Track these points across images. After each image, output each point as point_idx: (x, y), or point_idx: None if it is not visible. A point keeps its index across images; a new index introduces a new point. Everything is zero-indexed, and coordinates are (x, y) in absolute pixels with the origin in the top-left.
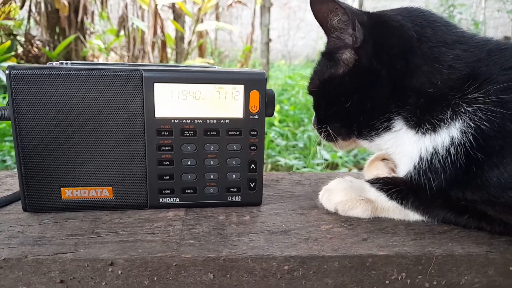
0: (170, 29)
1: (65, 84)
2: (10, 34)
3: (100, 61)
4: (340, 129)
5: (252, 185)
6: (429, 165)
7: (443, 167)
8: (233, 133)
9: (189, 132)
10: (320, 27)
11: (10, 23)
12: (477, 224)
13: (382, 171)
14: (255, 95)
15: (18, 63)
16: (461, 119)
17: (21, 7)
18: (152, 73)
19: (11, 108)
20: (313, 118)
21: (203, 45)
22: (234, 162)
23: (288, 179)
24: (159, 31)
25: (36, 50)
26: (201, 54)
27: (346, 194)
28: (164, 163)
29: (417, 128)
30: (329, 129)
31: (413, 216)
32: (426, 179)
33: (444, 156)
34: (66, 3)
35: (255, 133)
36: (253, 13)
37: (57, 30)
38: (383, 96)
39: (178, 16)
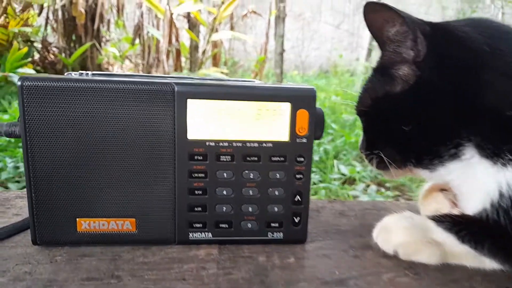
0: (185, 38)
1: (85, 99)
2: (28, 40)
3: (115, 69)
4: (395, 155)
5: (296, 220)
6: None
7: None
8: (276, 159)
9: (226, 157)
10: (375, 40)
11: (28, 29)
12: None
13: (443, 205)
14: (303, 115)
15: (34, 69)
16: None
17: (39, 14)
18: (185, 88)
19: (22, 125)
20: (360, 141)
21: (217, 54)
22: (276, 192)
23: (329, 208)
24: (174, 40)
25: (52, 56)
26: (215, 63)
27: (408, 235)
28: (196, 192)
29: (494, 158)
30: (382, 155)
31: (490, 263)
32: (508, 220)
33: None
34: (83, 11)
35: (302, 159)
36: (267, 24)
37: (74, 37)
38: (451, 118)
39: (193, 25)
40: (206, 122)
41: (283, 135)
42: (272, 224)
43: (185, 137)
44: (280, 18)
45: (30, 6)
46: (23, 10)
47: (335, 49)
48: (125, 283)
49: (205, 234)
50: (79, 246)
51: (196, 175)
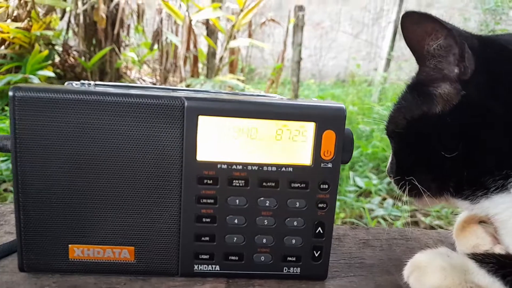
0: (203, 44)
1: (82, 113)
2: (49, 43)
3: (133, 73)
4: (430, 183)
5: (316, 255)
6: None
7: None
8: (297, 185)
9: (240, 182)
10: (413, 54)
11: (49, 33)
12: None
13: (483, 241)
14: (329, 136)
15: (54, 71)
16: None
17: (61, 18)
18: (197, 103)
19: (12, 139)
20: (388, 164)
21: (234, 61)
22: (295, 223)
23: (352, 236)
24: (192, 46)
25: (72, 60)
26: (232, 70)
27: (446, 277)
28: (204, 219)
29: None
30: (416, 182)
31: None
32: None
33: None
34: (104, 16)
35: (326, 186)
36: (285, 32)
37: (94, 41)
38: (501, 145)
39: (211, 32)
40: (218, 142)
41: (305, 159)
42: (289, 258)
43: (194, 158)
44: (299, 27)
45: (53, 10)
46: (46, 14)
47: (353, 58)
48: None
49: (212, 267)
50: (71, 274)
51: (205, 200)
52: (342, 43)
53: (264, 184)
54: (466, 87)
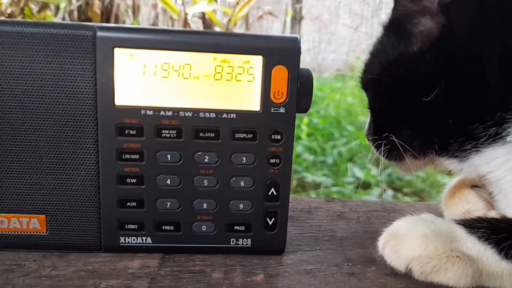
0: None
1: None
2: None
3: None
4: (412, 139)
5: (270, 222)
6: None
7: None
8: (242, 135)
9: (171, 132)
10: None
11: None
12: None
13: (476, 206)
14: (281, 74)
15: None
16: None
17: (55, 14)
18: (112, 33)
19: None
20: (367, 124)
21: None
22: (242, 183)
23: (326, 209)
24: None
25: None
26: None
27: (428, 245)
28: (129, 180)
29: None
30: (395, 139)
31: None
32: None
33: None
34: (99, 12)
35: (279, 137)
36: (283, 25)
37: None
38: (493, 83)
39: (207, 26)
40: (142, 82)
41: (252, 103)
42: (237, 227)
43: (111, 102)
44: (297, 20)
45: (47, 7)
46: (39, 11)
47: (353, 51)
48: None
49: (142, 239)
50: None
51: (128, 156)
52: (342, 36)
53: (201, 135)
54: (448, 13)
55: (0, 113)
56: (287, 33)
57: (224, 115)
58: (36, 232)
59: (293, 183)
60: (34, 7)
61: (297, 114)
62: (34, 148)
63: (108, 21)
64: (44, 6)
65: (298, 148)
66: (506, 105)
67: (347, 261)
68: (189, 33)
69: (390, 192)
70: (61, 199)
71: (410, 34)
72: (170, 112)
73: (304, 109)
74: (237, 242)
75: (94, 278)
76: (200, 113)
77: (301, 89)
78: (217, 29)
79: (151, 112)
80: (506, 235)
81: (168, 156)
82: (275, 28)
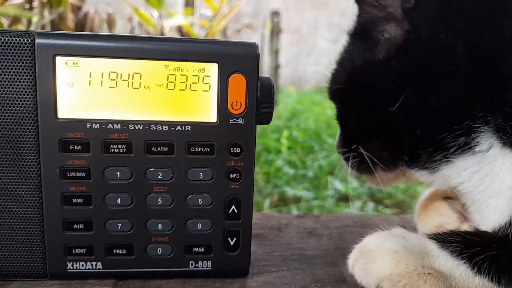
0: None
1: None
2: None
3: None
4: (381, 151)
5: (232, 242)
6: None
7: None
8: (198, 149)
9: (120, 147)
10: None
11: None
12: None
13: (449, 219)
14: (239, 82)
15: None
16: None
17: (27, 29)
18: (53, 40)
19: None
20: (337, 137)
21: None
22: (200, 201)
23: (296, 225)
24: None
25: None
26: None
27: (398, 263)
28: (75, 200)
29: None
30: (363, 151)
31: None
32: None
33: None
34: (73, 26)
35: (238, 150)
36: (261, 38)
37: None
38: (460, 91)
39: None
40: (87, 92)
41: (209, 114)
42: (195, 249)
43: (53, 115)
44: (275, 33)
45: (19, 21)
46: (11, 25)
47: (333, 64)
48: None
49: (91, 265)
50: None
51: (73, 174)
52: (321, 48)
53: (153, 149)
54: (412, 18)
55: None
56: (266, 46)
57: (178, 128)
58: None
59: (274, 197)
60: (5, 21)
61: (276, 127)
62: None
63: None
64: (15, 20)
65: (278, 162)
66: (474, 114)
67: (316, 281)
68: (139, 39)
69: (371, 204)
70: (1, 222)
71: (375, 42)
72: (119, 125)
73: (265, 119)
74: (196, 265)
75: None
76: (151, 126)
77: (261, 98)
78: None
79: (97, 126)
80: (479, 249)
81: (118, 173)
82: (254, 40)
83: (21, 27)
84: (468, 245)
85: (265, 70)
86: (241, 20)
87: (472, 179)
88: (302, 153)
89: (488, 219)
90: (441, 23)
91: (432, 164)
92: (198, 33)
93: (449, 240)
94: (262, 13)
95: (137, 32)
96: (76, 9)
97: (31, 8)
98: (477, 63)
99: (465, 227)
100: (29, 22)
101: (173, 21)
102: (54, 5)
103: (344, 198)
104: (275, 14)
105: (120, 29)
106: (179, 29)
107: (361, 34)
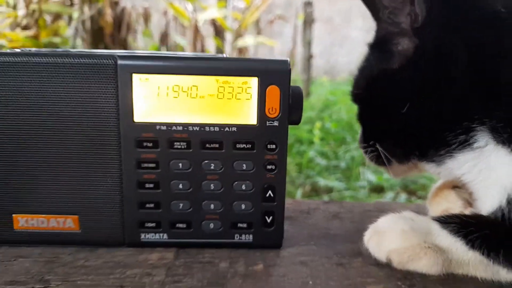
0: (211, 45)
1: (15, 76)
2: None
3: None
4: (395, 147)
5: (268, 220)
6: None
7: None
8: (242, 146)
9: (181, 144)
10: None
11: (58, 40)
12: None
13: (454, 205)
14: (274, 92)
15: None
16: None
17: (69, 24)
18: (130, 61)
19: None
20: (359, 133)
21: None
22: (243, 187)
23: (323, 210)
24: (199, 46)
25: None
26: None
27: (405, 239)
28: (147, 185)
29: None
30: (378, 147)
31: (506, 274)
32: None
33: None
34: (111, 21)
35: (274, 146)
36: (294, 29)
37: (102, 47)
38: (460, 96)
39: (218, 32)
40: (156, 101)
41: (250, 117)
42: (240, 225)
43: (131, 119)
44: (308, 23)
45: (60, 17)
46: (53, 21)
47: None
48: None
49: (159, 235)
50: (19, 246)
51: (146, 165)
52: (354, 39)
53: (207, 145)
54: (419, 35)
55: (41, 131)
56: (299, 37)
57: (226, 129)
58: (71, 230)
59: (306, 187)
60: (48, 18)
61: (308, 118)
62: (69, 159)
63: (120, 29)
64: (57, 17)
65: (310, 153)
66: (471, 116)
67: (337, 253)
68: (195, 59)
69: (403, 195)
70: (91, 202)
71: (391, 53)
72: (181, 127)
73: (296, 121)
74: (240, 238)
75: (120, 268)
76: (206, 127)
77: (292, 104)
78: (228, 34)
79: (164, 127)
80: (473, 229)
81: (180, 164)
82: (286, 32)
83: (62, 22)
84: (465, 225)
85: (297, 61)
86: (273, 11)
87: (472, 171)
88: (334, 144)
89: (485, 205)
90: (444, 40)
91: (438, 158)
92: (231, 25)
93: (449, 221)
94: (294, 4)
95: (172, 25)
96: (114, 4)
97: (71, 5)
98: (474, 74)
99: (467, 212)
100: (70, 18)
101: (206, 14)
102: (93, 1)
103: (376, 189)
104: (308, 4)
105: (156, 23)
106: (213, 22)
107: (379, 46)
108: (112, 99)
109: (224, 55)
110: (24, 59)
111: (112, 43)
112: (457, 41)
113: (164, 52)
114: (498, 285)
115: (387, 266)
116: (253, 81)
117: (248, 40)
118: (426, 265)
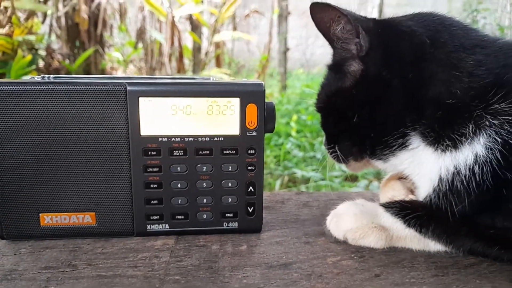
0: (188, 40)
1: (40, 100)
2: (32, 48)
3: (118, 73)
4: (351, 148)
5: (250, 210)
6: (450, 187)
7: (467, 189)
8: (228, 152)
9: (179, 152)
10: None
11: (32, 37)
12: (510, 256)
13: (399, 193)
14: (252, 109)
15: (39, 75)
16: (486, 134)
17: (43, 22)
18: (137, 87)
19: None
20: (324, 137)
21: (220, 55)
22: (229, 184)
23: (295, 200)
24: (176, 42)
25: (57, 63)
26: (218, 64)
27: (357, 220)
28: (152, 186)
29: (436, 145)
30: (337, 149)
31: (434, 246)
32: (448, 203)
33: (467, 177)
34: (86, 17)
35: (253, 151)
36: (270, 23)
37: (77, 43)
38: (396, 109)
39: (195, 27)
40: (158, 118)
41: (234, 129)
42: (227, 215)
43: (138, 133)
44: (283, 17)
45: (34, 14)
46: (27, 19)
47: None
48: (79, 271)
49: (162, 226)
50: (44, 240)
51: (150, 169)
52: None
53: (200, 152)
54: (364, 62)
55: (64, 145)
56: (275, 30)
57: (215, 139)
58: (89, 225)
59: (285, 178)
60: (21, 15)
61: (286, 111)
62: (88, 166)
63: (95, 25)
64: (31, 14)
65: (288, 145)
66: (405, 124)
67: (305, 234)
68: (189, 85)
69: (376, 183)
70: (106, 201)
71: (344, 74)
72: (178, 138)
73: (270, 130)
74: (228, 225)
75: (132, 253)
76: (199, 138)
77: (267, 117)
78: (204, 29)
79: (165, 139)
80: (410, 211)
81: (178, 168)
82: (262, 25)
83: (36, 20)
84: (403, 209)
85: (274, 55)
86: (249, 6)
87: (410, 166)
88: (310, 136)
89: (420, 193)
90: (383, 66)
91: (384, 156)
92: (208, 20)
93: (391, 206)
94: None
95: (149, 21)
96: (89, 0)
97: (45, 2)
98: (405, 92)
99: (407, 198)
100: (45, 15)
101: (183, 10)
102: None
103: (349, 178)
104: None
105: (132, 18)
106: (190, 17)
107: (335, 68)
108: (123, 117)
109: (212, 79)
110: (51, 87)
111: (88, 39)
112: (392, 68)
113: (163, 77)
114: (427, 254)
115: (344, 243)
116: (236, 101)
117: (225, 35)
118: (373, 241)
